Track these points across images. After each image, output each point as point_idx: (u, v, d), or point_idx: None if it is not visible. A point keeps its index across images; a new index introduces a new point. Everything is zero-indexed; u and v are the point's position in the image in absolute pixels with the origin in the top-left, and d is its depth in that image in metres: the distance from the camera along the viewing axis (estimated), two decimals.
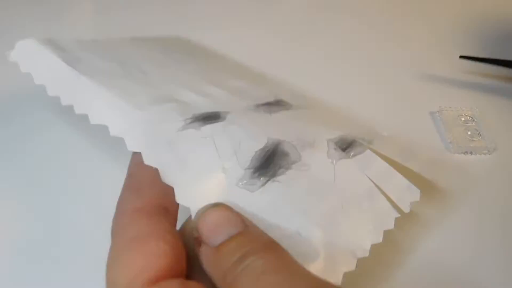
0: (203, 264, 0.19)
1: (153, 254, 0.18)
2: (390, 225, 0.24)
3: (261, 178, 0.22)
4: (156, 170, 0.21)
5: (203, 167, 0.22)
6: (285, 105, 0.30)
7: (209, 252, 0.19)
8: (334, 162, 0.25)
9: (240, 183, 0.22)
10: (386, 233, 0.23)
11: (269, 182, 0.22)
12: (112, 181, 0.23)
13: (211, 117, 0.24)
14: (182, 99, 0.26)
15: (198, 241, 0.19)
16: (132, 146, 0.22)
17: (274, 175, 0.22)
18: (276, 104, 0.29)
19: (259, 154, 0.23)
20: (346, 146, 0.26)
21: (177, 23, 0.44)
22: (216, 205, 0.20)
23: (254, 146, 0.23)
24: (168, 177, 0.21)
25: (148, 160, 0.21)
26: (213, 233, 0.19)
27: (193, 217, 0.20)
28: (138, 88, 0.25)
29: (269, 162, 0.23)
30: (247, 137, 0.23)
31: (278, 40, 0.43)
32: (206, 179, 0.21)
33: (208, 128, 0.23)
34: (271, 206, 0.21)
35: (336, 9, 0.48)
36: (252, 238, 0.19)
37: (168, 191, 0.20)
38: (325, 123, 0.29)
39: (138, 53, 0.32)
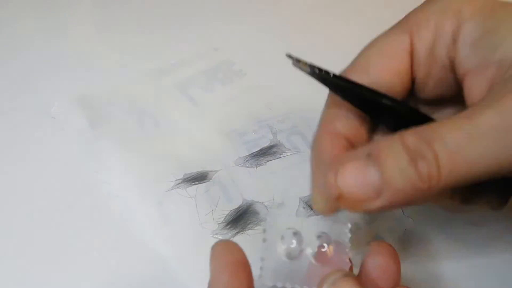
0: None
1: None
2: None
3: (232, 230, 0.28)
4: None
5: (184, 223, 0.27)
6: (278, 151, 0.34)
7: None
8: (301, 220, 0.29)
9: (214, 235, 0.27)
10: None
11: (239, 234, 0.28)
12: None
13: (198, 178, 0.29)
14: (181, 157, 0.31)
15: None
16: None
17: (244, 228, 0.28)
18: (268, 150, 0.33)
19: (232, 212, 0.28)
20: None
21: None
22: None
23: (229, 206, 0.28)
24: (154, 230, 0.26)
25: (140, 216, 0.27)
26: None
27: None
28: (144, 147, 0.31)
29: (241, 219, 0.28)
30: (225, 198, 0.29)
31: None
32: (186, 232, 0.27)
33: (194, 189, 0.29)
34: None
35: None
36: None
37: None
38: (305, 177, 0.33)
39: (156, 104, 0.37)
